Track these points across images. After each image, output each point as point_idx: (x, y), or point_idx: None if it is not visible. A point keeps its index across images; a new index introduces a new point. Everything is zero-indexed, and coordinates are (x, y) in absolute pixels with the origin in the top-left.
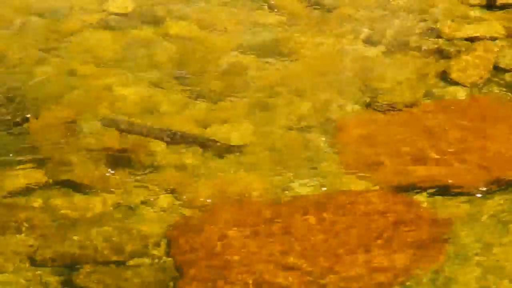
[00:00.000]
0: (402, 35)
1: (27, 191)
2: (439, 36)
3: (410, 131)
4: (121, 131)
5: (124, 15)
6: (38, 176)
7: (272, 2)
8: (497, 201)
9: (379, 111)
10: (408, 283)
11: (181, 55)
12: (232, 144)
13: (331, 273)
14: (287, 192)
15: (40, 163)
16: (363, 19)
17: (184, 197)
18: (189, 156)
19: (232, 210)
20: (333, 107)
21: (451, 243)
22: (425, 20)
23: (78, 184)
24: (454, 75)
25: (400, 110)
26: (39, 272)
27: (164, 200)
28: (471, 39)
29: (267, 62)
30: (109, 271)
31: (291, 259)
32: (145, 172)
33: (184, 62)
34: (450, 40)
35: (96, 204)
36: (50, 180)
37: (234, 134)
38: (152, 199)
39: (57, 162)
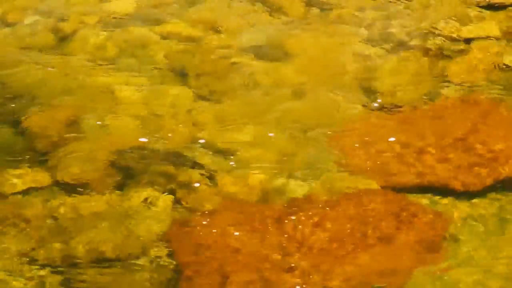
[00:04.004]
0: (402, 35)
1: (27, 191)
2: (439, 36)
3: (410, 131)
4: None
5: (124, 15)
6: (38, 176)
7: (272, 2)
8: (497, 201)
9: (379, 111)
10: (408, 284)
11: (181, 56)
12: None
13: (331, 274)
14: (287, 192)
15: (40, 163)
16: (363, 19)
17: (184, 197)
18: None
19: (232, 210)
20: (333, 107)
21: (451, 243)
22: (425, 20)
23: (78, 184)
24: (453, 75)
25: (400, 110)
26: (38, 272)
27: (165, 200)
28: (471, 39)
29: (267, 62)
30: (109, 271)
31: (291, 260)
32: (145, 172)
33: (184, 62)
34: (450, 40)
35: (96, 204)
36: (50, 180)
37: (234, 134)
38: (152, 199)
39: (57, 162)
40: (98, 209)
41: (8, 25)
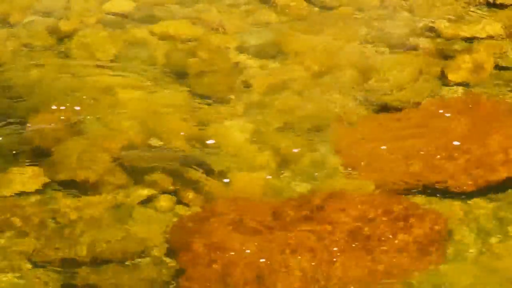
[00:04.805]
0: (402, 35)
1: (27, 190)
2: (439, 36)
3: (409, 131)
4: None
5: (124, 15)
6: (38, 176)
7: (272, 2)
8: (496, 201)
9: (379, 111)
10: (407, 284)
11: (181, 55)
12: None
13: (331, 274)
14: (288, 192)
15: (40, 163)
16: (363, 19)
17: (184, 196)
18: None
19: (232, 210)
20: (333, 107)
21: (450, 243)
22: (425, 20)
23: (78, 184)
24: (453, 75)
25: (399, 110)
26: (38, 272)
27: (164, 199)
28: (471, 39)
29: (267, 62)
30: (110, 271)
31: (291, 260)
32: (145, 172)
33: (183, 62)
34: (450, 40)
35: (96, 204)
36: (51, 180)
37: (234, 134)
38: (152, 199)
39: (57, 162)
40: (99, 208)
41: (8, 25)
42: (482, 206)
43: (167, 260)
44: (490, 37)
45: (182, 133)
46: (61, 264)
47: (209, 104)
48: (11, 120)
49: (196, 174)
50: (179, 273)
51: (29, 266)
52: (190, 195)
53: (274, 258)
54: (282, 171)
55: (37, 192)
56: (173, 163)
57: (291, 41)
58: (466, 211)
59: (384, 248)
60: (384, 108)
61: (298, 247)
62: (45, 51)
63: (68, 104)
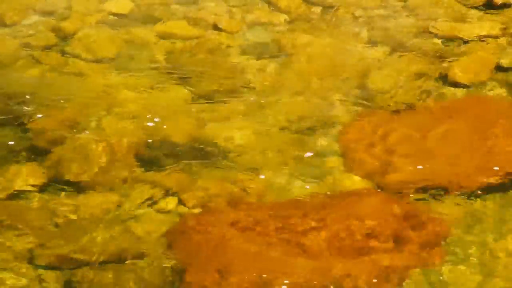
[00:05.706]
0: (402, 35)
1: (27, 190)
2: (439, 36)
3: (409, 131)
4: None
5: (124, 15)
6: (38, 175)
7: (272, 2)
8: (497, 201)
9: (379, 111)
10: (406, 284)
11: (182, 55)
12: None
13: (331, 274)
14: (288, 192)
15: (40, 163)
16: (363, 19)
17: (184, 197)
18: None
19: (232, 210)
20: (333, 107)
21: (450, 243)
22: (425, 20)
23: (78, 184)
24: (454, 75)
25: (399, 110)
26: (38, 272)
27: (164, 200)
28: (471, 39)
29: (267, 62)
30: (109, 271)
31: (291, 260)
32: (146, 172)
33: (183, 62)
34: (450, 40)
35: (96, 204)
36: (51, 180)
37: (234, 134)
38: (152, 199)
39: (57, 162)
40: (98, 209)
41: (8, 25)
42: (483, 207)
43: (168, 260)
44: (490, 37)
45: (182, 133)
46: (61, 264)
47: (209, 104)
48: (12, 120)
49: (197, 174)
50: (179, 274)
51: (28, 265)
52: (191, 195)
53: (275, 258)
54: (283, 171)
55: (37, 191)
56: (174, 163)
57: (292, 41)
58: (468, 211)
59: (385, 248)
60: (384, 109)
61: (297, 247)
62: (45, 51)
63: (68, 104)
